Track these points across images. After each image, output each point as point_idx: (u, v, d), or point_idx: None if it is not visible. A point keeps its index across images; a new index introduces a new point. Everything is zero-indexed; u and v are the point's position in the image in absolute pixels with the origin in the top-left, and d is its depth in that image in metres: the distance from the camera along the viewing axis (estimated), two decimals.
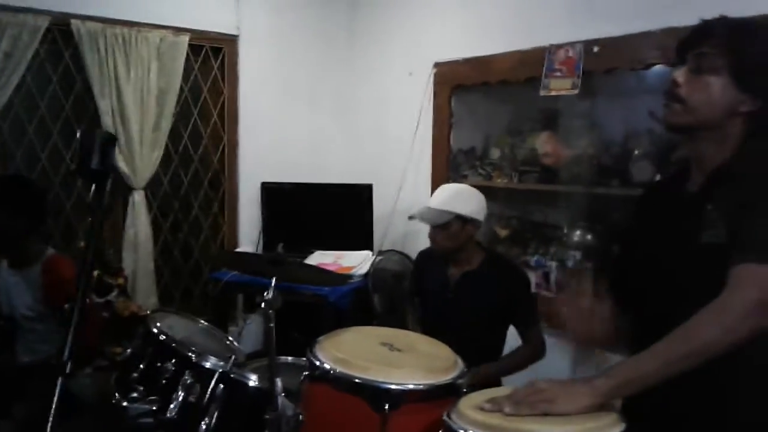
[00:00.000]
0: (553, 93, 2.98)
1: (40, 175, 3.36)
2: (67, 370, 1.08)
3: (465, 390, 1.63)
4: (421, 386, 1.62)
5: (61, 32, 3.33)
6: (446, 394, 1.60)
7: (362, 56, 4.18)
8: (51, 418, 1.03)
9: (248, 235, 3.98)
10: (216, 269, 3.74)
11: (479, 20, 3.38)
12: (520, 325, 2.51)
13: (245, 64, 3.91)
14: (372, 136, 4.10)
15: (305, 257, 3.55)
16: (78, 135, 1.29)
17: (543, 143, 3.29)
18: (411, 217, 2.57)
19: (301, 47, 4.09)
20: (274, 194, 3.90)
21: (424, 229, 2.56)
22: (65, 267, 2.70)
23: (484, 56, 3.33)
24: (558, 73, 2.95)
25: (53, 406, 1.03)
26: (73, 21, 3.28)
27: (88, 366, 2.80)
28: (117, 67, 3.40)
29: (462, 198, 2.51)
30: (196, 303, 3.87)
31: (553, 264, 3.20)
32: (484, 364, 2.35)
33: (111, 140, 1.27)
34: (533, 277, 3.02)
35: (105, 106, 3.38)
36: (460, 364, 1.75)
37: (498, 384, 2.34)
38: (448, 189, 2.61)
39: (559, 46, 2.95)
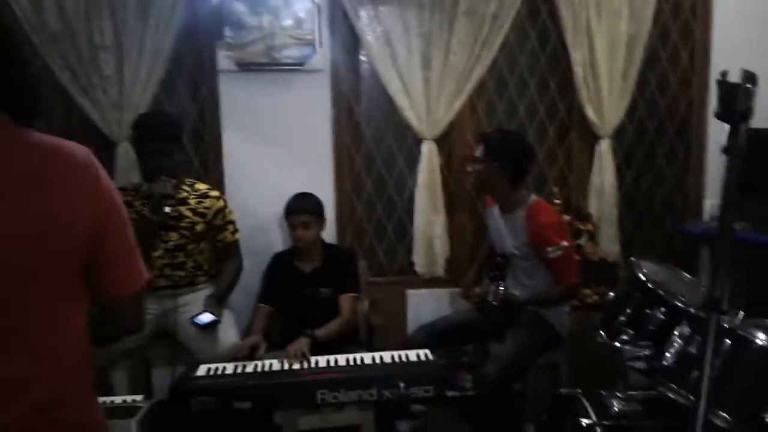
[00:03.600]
0: None
1: (518, 126, 3.66)
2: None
3: None
4: None
5: None
6: None
7: None
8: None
9: (715, 188, 3.71)
10: (683, 221, 3.61)
11: None
12: None
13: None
14: None
15: None
16: (719, 78, 1.28)
17: None
18: None
19: None
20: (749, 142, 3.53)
21: None
22: (545, 212, 2.91)
23: None
24: None
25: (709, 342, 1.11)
26: None
27: (567, 303, 3.00)
28: (589, 18, 3.47)
29: None
30: (657, 254, 3.80)
31: None
32: None
33: (751, 78, 1.22)
34: None
35: (577, 57, 3.50)
36: None
37: None
38: None
39: None
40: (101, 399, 1.35)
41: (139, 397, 2.44)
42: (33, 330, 1.18)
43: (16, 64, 1.20)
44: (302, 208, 3.06)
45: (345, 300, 3.01)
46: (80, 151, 1.26)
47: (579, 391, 2.34)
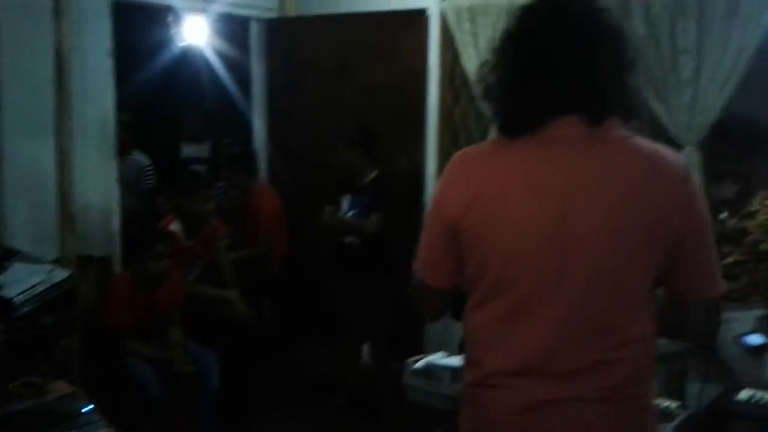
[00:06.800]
0: None
1: None
2: None
3: None
4: None
5: None
6: None
7: None
8: None
9: None
10: None
11: None
12: None
13: None
14: None
15: None
16: None
17: None
18: None
19: None
20: None
21: None
22: None
23: None
24: None
25: None
26: None
27: None
28: None
29: None
30: None
31: None
32: None
33: None
34: None
35: None
36: None
37: None
38: None
39: None
40: None
41: (674, 404, 2.42)
42: (619, 320, 1.29)
43: (620, 66, 1.29)
44: None
45: None
46: (672, 157, 1.32)
47: None
